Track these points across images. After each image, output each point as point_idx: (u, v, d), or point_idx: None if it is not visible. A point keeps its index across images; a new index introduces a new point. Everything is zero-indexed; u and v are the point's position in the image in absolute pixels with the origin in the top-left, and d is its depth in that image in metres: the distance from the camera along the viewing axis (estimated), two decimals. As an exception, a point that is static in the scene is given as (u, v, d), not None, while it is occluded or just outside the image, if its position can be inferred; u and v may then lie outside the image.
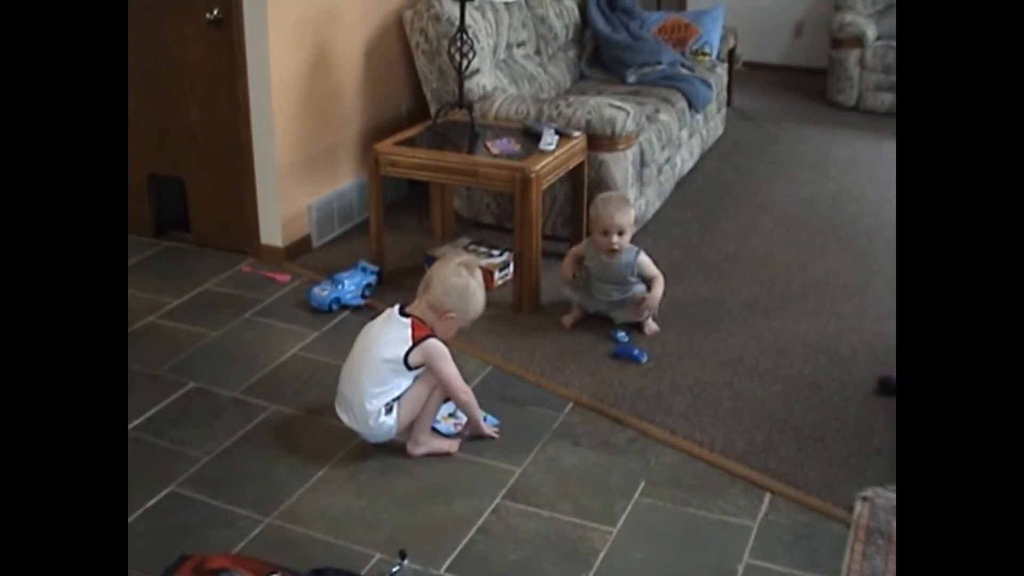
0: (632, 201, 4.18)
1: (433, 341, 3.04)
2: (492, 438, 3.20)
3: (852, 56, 7.12)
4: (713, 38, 6.27)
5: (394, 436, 3.10)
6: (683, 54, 6.07)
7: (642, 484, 3.00)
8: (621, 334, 3.82)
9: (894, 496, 2.88)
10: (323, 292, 3.99)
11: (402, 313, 3.09)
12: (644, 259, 3.85)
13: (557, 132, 4.18)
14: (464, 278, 3.10)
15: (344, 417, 3.09)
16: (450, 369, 3.07)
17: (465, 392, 3.13)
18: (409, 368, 3.03)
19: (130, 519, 2.79)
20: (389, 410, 3.04)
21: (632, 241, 3.86)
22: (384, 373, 3.02)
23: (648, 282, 3.85)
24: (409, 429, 3.10)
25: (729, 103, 6.78)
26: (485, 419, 3.24)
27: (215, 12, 4.16)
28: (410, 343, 3.01)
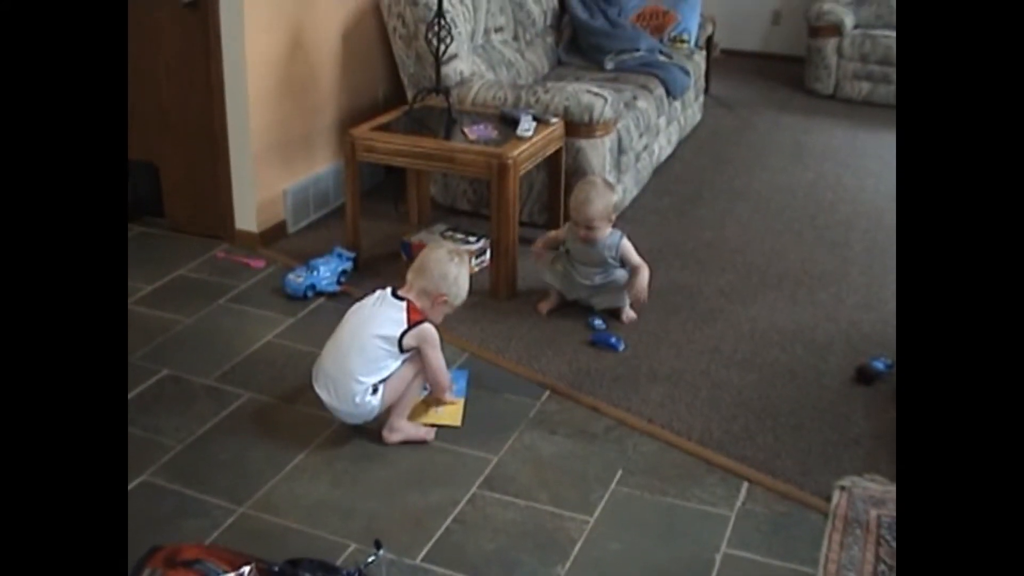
0: (610, 188, 4.16)
1: (428, 326, 3.07)
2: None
3: (830, 44, 7.12)
4: (691, 25, 6.24)
5: (375, 417, 3.08)
6: (661, 41, 6.04)
7: (619, 473, 2.98)
8: (598, 321, 3.79)
9: (872, 486, 2.88)
10: (298, 278, 3.95)
11: (396, 296, 3.09)
12: (627, 244, 3.82)
13: (535, 118, 4.15)
14: (457, 265, 3.16)
15: (324, 395, 3.06)
16: (439, 356, 3.11)
17: (448, 382, 3.19)
18: (401, 350, 3.03)
19: (101, 508, 2.75)
20: (375, 391, 3.02)
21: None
22: (375, 351, 3.01)
23: (630, 269, 3.82)
24: (385, 413, 3.09)
25: (707, 90, 6.76)
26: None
27: (189, -6, 4.11)
28: (405, 325, 3.02)
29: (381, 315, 3.06)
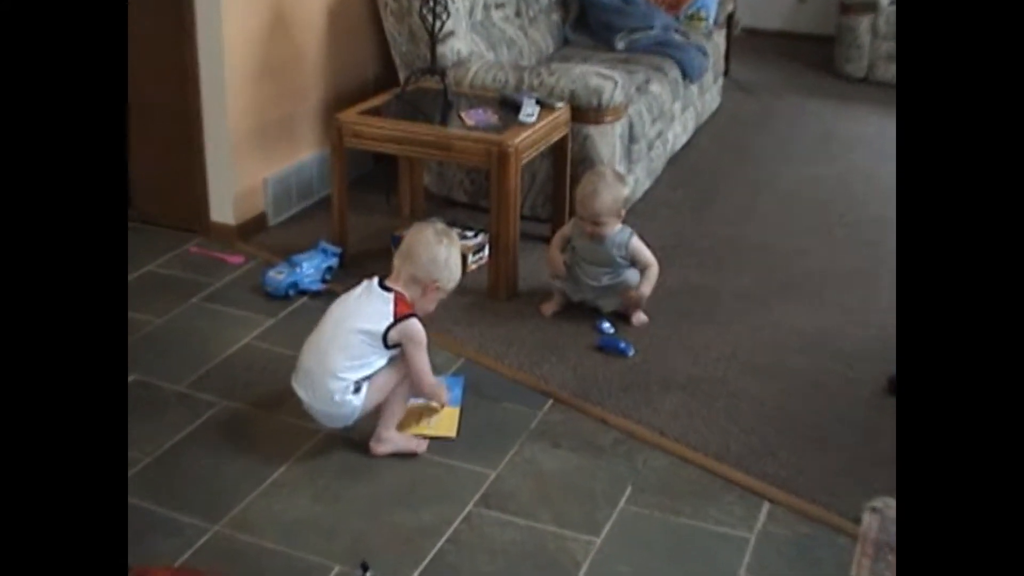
0: (620, 179, 4.16)
1: (414, 322, 3.05)
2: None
3: (863, 23, 7.09)
4: (710, 1, 6.24)
5: (355, 419, 3.07)
6: (677, 19, 6.04)
7: (628, 490, 2.98)
8: (606, 325, 3.80)
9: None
10: (279, 276, 3.96)
11: (383, 287, 3.08)
12: (637, 243, 3.83)
13: (538, 102, 4.15)
14: (446, 246, 3.14)
15: (303, 393, 3.06)
16: (423, 357, 3.08)
17: (430, 386, 3.15)
18: (386, 346, 3.03)
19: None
20: (357, 389, 3.02)
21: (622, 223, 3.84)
22: (358, 346, 3.01)
23: (641, 269, 3.83)
24: (371, 421, 3.09)
25: (726, 73, 6.76)
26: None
27: (162, -34, 4.11)
28: (392, 319, 3.01)
29: (366, 308, 3.05)
